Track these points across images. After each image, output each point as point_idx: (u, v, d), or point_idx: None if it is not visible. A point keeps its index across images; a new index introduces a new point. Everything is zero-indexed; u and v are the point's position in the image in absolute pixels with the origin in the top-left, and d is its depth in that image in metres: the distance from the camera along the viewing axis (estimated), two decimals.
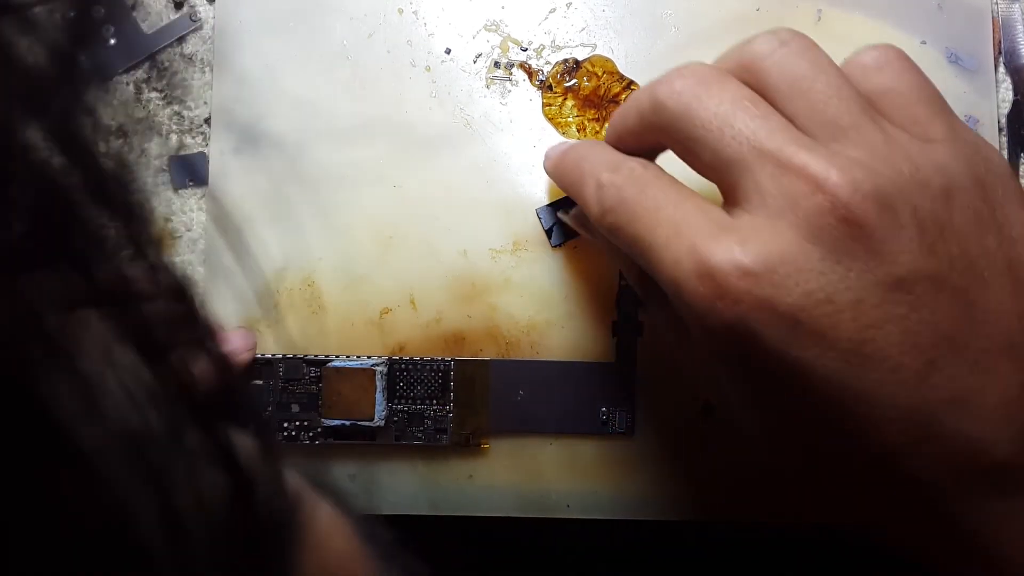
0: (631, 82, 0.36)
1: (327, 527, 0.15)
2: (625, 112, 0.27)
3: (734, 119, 0.23)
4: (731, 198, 0.24)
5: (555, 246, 0.36)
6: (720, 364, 0.24)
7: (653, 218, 0.24)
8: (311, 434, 0.34)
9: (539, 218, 0.36)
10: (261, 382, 0.34)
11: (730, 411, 0.26)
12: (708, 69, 0.25)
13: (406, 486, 0.35)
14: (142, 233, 0.10)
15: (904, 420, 0.22)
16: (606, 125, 0.36)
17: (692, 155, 0.24)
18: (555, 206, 0.35)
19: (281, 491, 0.11)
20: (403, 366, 0.35)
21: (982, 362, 0.22)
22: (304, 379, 0.34)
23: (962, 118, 0.37)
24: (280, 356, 0.35)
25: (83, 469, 0.08)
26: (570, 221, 0.33)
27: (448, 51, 0.37)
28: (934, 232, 0.22)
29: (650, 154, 0.28)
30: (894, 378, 0.21)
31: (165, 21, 0.37)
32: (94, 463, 0.08)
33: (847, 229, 0.21)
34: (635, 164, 0.26)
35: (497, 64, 0.37)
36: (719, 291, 0.21)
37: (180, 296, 0.11)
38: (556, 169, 0.30)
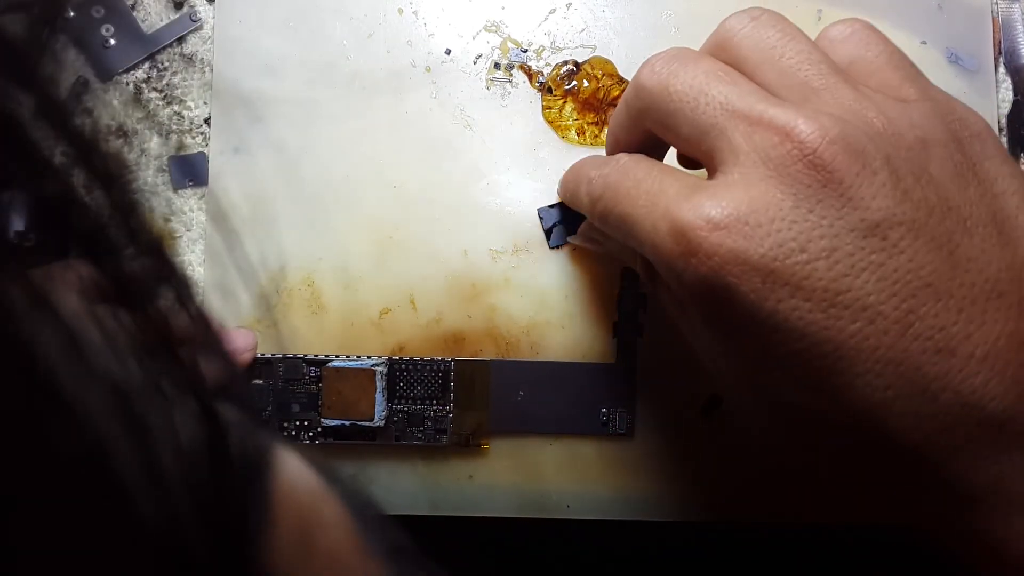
0: None
1: (308, 494, 0.15)
2: (616, 110, 0.29)
3: (708, 87, 0.24)
4: (711, 165, 0.24)
5: (554, 247, 0.36)
6: (705, 326, 0.24)
7: (634, 194, 0.24)
8: (311, 434, 0.34)
9: (540, 218, 0.36)
10: (261, 382, 0.34)
11: (724, 381, 0.26)
12: (684, 49, 0.26)
13: (406, 486, 0.35)
14: (121, 194, 0.10)
15: (887, 373, 0.21)
16: (606, 128, 0.36)
17: (673, 131, 0.25)
18: (557, 208, 0.35)
19: (255, 445, 0.11)
20: (403, 366, 0.35)
21: (967, 310, 0.21)
22: (304, 379, 0.34)
23: None
24: (280, 356, 0.35)
25: (64, 409, 0.09)
26: (578, 240, 0.34)
27: (448, 52, 0.37)
28: (909, 179, 0.21)
29: (646, 150, 0.29)
30: (873, 328, 0.21)
31: (165, 21, 0.37)
32: (75, 404, 0.09)
33: (816, 175, 0.21)
34: (621, 155, 0.27)
35: (497, 65, 0.37)
36: (691, 247, 0.22)
37: (157, 252, 0.11)
38: (562, 188, 0.32)
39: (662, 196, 0.23)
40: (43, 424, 0.08)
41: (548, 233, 0.36)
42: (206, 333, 0.11)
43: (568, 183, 0.31)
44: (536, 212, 0.36)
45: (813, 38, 0.26)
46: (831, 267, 0.21)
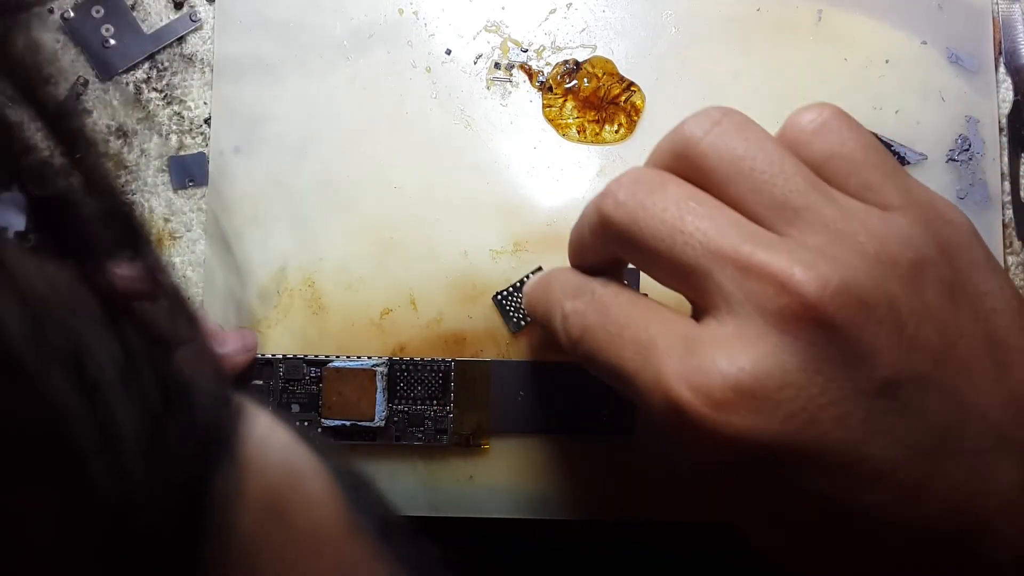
0: (631, 83, 0.36)
1: (285, 469, 0.15)
2: (580, 228, 0.26)
3: (682, 223, 0.21)
4: (698, 304, 0.22)
5: (514, 332, 0.35)
6: (708, 477, 0.22)
7: (619, 344, 0.22)
8: (311, 434, 0.34)
9: (496, 307, 0.35)
10: (261, 382, 0.34)
11: (731, 519, 0.25)
12: (645, 172, 0.23)
13: (406, 487, 0.35)
14: (85, 157, 0.10)
15: (907, 538, 0.20)
16: (606, 127, 0.36)
17: (650, 266, 0.23)
18: (514, 295, 0.35)
19: (220, 415, 0.11)
20: (403, 366, 0.35)
21: (978, 465, 0.20)
22: (304, 379, 0.34)
23: (962, 118, 0.37)
24: (280, 356, 0.35)
25: (19, 376, 0.09)
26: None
27: (448, 52, 0.37)
28: (912, 322, 0.20)
29: (616, 267, 0.27)
30: (891, 497, 0.20)
31: (165, 21, 0.37)
32: (31, 371, 0.09)
33: (821, 332, 0.19)
34: (596, 285, 0.24)
35: (497, 65, 0.37)
36: (692, 425, 0.20)
37: (119, 215, 0.11)
38: (529, 304, 0.29)
39: (652, 352, 0.21)
40: None
41: (505, 319, 0.35)
42: (172, 297, 0.11)
43: (537, 306, 0.28)
44: (492, 300, 0.35)
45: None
46: (844, 438, 0.19)
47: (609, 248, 0.24)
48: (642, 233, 0.22)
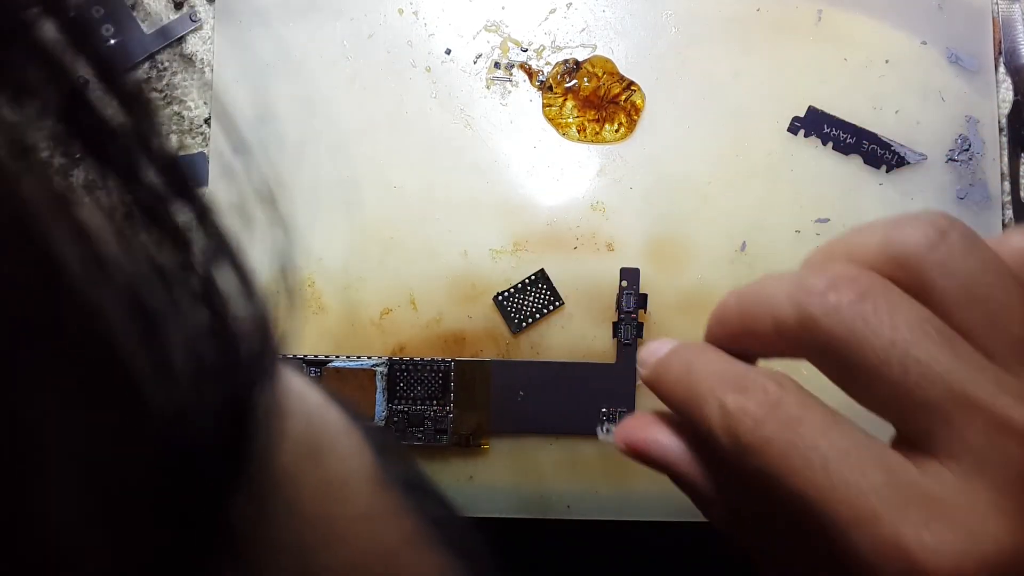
0: (631, 82, 0.36)
1: (320, 418, 0.15)
2: (751, 312, 0.22)
3: (919, 351, 0.18)
4: (920, 443, 0.19)
5: (515, 332, 0.35)
6: None
7: (821, 479, 0.18)
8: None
9: (497, 307, 0.35)
10: None
11: None
12: (863, 276, 0.20)
13: None
14: (140, 110, 0.10)
15: None
16: (606, 126, 0.36)
17: (858, 386, 0.20)
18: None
19: (265, 358, 0.11)
20: (403, 366, 0.35)
21: None
22: None
23: (962, 118, 0.37)
24: (279, 356, 0.35)
25: (79, 305, 0.09)
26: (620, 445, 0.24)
27: (448, 52, 0.37)
28: None
29: (768, 355, 0.23)
30: None
31: (165, 21, 0.37)
32: (89, 301, 0.09)
33: None
34: (769, 384, 0.20)
35: (497, 65, 0.37)
36: None
37: (173, 167, 0.11)
38: (658, 380, 0.24)
39: (879, 504, 0.18)
40: (58, 316, 0.09)
41: (507, 318, 0.35)
42: (222, 245, 0.11)
43: (675, 386, 0.23)
44: (492, 301, 0.35)
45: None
46: None
47: (798, 352, 0.21)
48: (862, 352, 0.19)
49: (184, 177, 0.10)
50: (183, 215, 0.10)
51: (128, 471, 0.09)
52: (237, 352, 0.10)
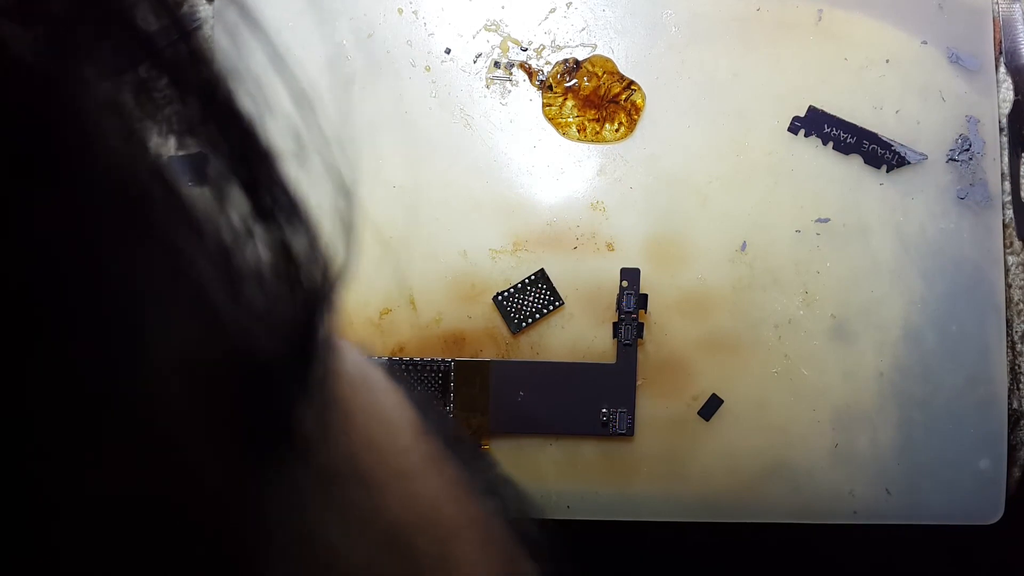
0: (631, 82, 0.36)
1: (368, 368, 0.15)
2: None
3: None
4: None
5: (515, 333, 0.35)
6: None
7: None
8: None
9: (497, 307, 0.34)
10: None
11: None
12: None
13: None
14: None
15: None
16: (607, 125, 0.36)
17: None
18: None
19: (320, 290, 0.12)
20: (403, 366, 0.35)
21: None
22: None
23: (962, 118, 0.37)
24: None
25: (150, 229, 0.10)
26: None
27: (448, 51, 0.37)
28: None
29: None
30: None
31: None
32: (160, 221, 0.10)
33: None
34: None
35: (497, 64, 0.37)
36: None
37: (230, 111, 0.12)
38: None
39: None
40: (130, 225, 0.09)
41: (507, 319, 0.35)
42: (285, 191, 0.12)
43: None
44: (492, 301, 0.34)
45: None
46: None
47: None
48: None
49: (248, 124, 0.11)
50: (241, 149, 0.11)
51: (214, 375, 0.09)
52: (300, 281, 0.11)
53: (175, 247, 0.10)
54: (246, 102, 0.11)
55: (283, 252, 0.11)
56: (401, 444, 0.15)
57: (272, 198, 0.11)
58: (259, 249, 0.11)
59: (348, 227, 0.11)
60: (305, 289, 0.11)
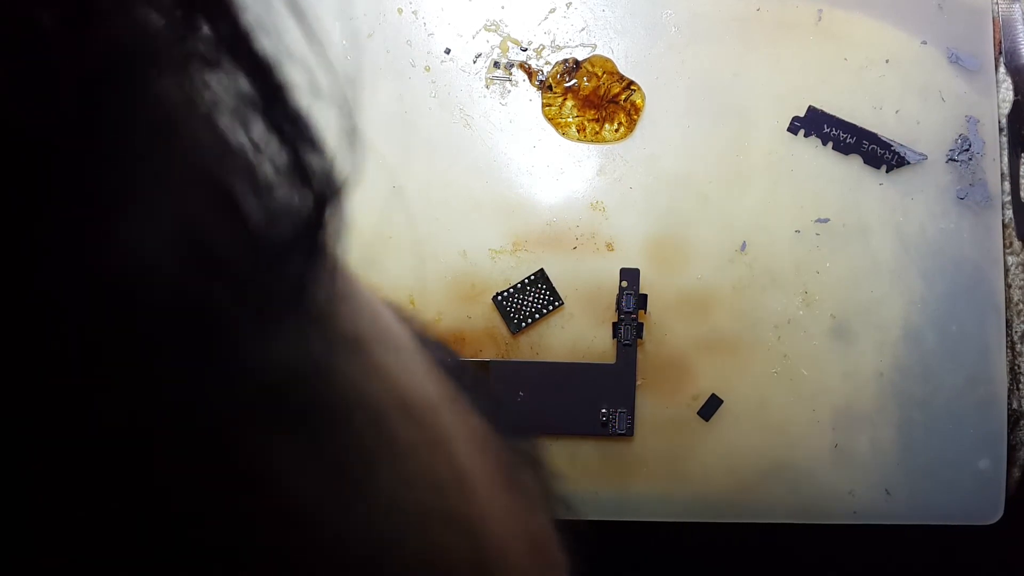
0: (631, 82, 0.36)
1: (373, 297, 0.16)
2: None
3: None
4: None
5: (514, 333, 0.35)
6: None
7: None
8: None
9: (496, 307, 0.35)
10: None
11: None
12: None
13: None
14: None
15: None
16: (606, 125, 0.36)
17: None
18: None
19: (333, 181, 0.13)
20: None
21: None
22: None
23: (962, 118, 0.37)
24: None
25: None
26: None
27: (448, 51, 0.37)
28: None
29: None
30: None
31: None
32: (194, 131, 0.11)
33: None
34: None
35: (497, 64, 0.37)
36: None
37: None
38: None
39: None
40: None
41: (507, 319, 0.35)
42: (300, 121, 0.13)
43: None
44: (492, 301, 0.35)
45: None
46: None
47: None
48: None
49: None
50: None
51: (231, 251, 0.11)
52: (311, 181, 0.13)
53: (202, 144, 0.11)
54: (263, 39, 0.12)
55: (295, 158, 0.13)
56: (400, 343, 0.16)
57: (285, 116, 0.12)
58: (275, 156, 0.12)
59: (352, 139, 0.13)
60: (314, 190, 0.13)
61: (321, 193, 0.13)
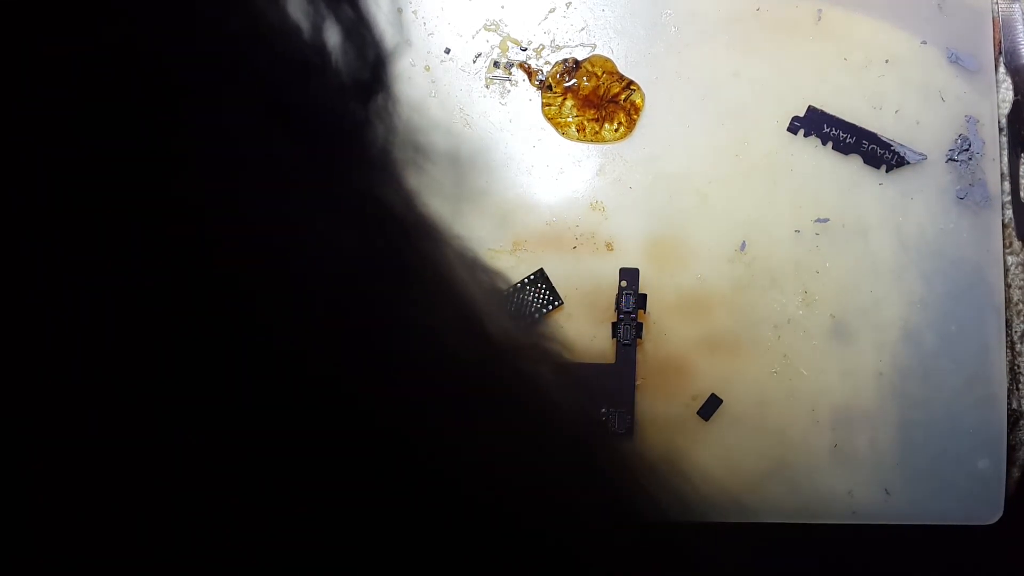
0: (631, 82, 0.36)
1: None
2: None
3: None
4: None
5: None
6: None
7: None
8: None
9: None
10: None
11: None
12: None
13: None
14: None
15: None
16: (606, 125, 0.36)
17: None
18: None
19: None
20: None
21: None
22: None
23: (962, 118, 0.37)
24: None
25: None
26: None
27: (448, 51, 0.37)
28: None
29: None
30: None
31: None
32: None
33: None
34: None
35: (497, 64, 0.37)
36: None
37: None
38: None
39: None
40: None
41: None
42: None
43: None
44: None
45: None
46: None
47: None
48: None
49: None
50: None
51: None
52: (366, 49, 0.15)
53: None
54: None
55: (355, 27, 0.15)
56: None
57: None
58: (334, 31, 0.15)
59: (398, 19, 0.15)
60: (370, 55, 0.15)
61: (376, 57, 0.15)
